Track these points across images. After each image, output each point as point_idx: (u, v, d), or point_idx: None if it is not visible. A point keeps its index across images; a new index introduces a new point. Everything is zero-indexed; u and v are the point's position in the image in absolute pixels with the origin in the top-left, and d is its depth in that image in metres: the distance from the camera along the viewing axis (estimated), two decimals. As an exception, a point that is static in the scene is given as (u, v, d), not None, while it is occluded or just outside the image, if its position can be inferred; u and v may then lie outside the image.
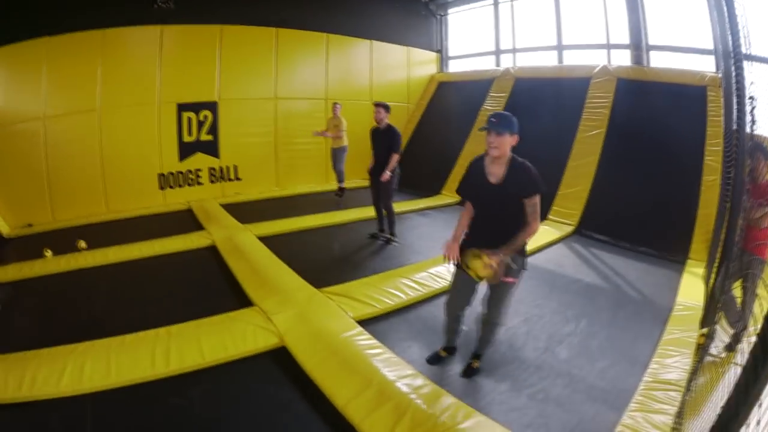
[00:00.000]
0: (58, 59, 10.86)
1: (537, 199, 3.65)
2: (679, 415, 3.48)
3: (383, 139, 7.96)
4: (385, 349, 4.46)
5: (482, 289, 4.16)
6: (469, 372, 4.28)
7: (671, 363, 4.24)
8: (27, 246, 9.33)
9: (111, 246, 8.29)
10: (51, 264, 7.91)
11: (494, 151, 3.61)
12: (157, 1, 11.30)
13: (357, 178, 12.94)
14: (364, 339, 4.62)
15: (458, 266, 4.02)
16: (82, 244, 8.55)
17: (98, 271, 7.50)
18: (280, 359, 4.47)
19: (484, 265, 3.53)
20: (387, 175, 7.83)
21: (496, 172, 3.73)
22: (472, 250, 3.68)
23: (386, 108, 8.00)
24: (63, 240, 8.88)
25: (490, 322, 4.16)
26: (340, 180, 11.69)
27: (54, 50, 10.78)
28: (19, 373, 4.44)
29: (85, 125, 11.19)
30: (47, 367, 4.47)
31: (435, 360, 4.57)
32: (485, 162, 3.81)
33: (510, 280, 3.80)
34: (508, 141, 3.61)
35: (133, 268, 7.47)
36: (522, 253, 3.86)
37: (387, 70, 14.59)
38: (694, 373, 4.03)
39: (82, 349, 4.71)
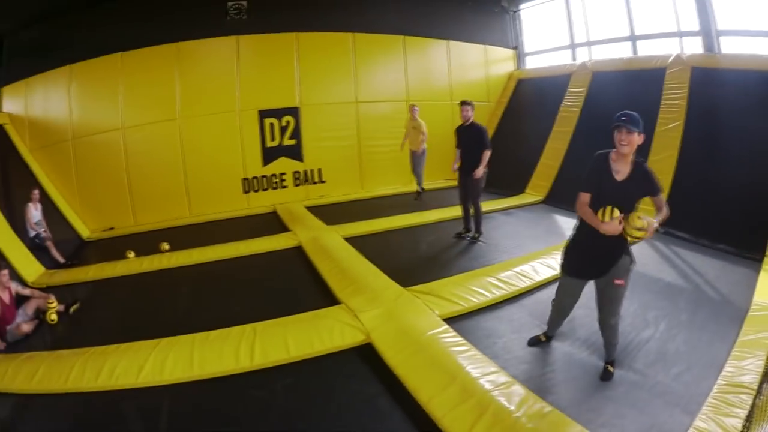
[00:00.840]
0: (133, 73, 11.71)
1: (662, 195, 3.88)
2: (749, 419, 3.48)
3: (471, 136, 8.07)
4: (470, 347, 4.55)
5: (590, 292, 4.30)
6: (607, 375, 4.33)
7: (745, 365, 4.18)
8: (108, 248, 10.06)
9: (193, 248, 8.73)
10: (134, 264, 8.49)
11: (624, 148, 3.74)
12: (230, 13, 11.82)
13: (440, 179, 13.13)
14: (449, 336, 4.73)
15: (567, 272, 4.27)
16: (165, 246, 9.11)
17: (182, 271, 7.97)
18: (366, 356, 4.63)
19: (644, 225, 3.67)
20: (480, 171, 7.94)
21: (622, 170, 3.87)
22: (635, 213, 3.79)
23: (472, 106, 8.17)
24: (145, 242, 9.56)
25: (608, 324, 4.26)
26: (419, 183, 11.76)
27: (129, 64, 11.64)
28: (97, 365, 4.88)
29: (165, 134, 11.90)
30: (127, 360, 4.87)
31: (535, 343, 4.83)
32: (610, 159, 3.92)
33: (620, 282, 3.98)
34: (637, 139, 3.74)
35: (218, 268, 7.89)
36: (629, 253, 4.02)
37: (465, 70, 14.54)
38: (765, 375, 4.00)
39: (164, 343, 5.09)
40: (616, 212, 3.67)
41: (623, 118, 3.74)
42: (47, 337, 6.59)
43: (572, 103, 12.09)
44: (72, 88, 12.06)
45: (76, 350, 5.49)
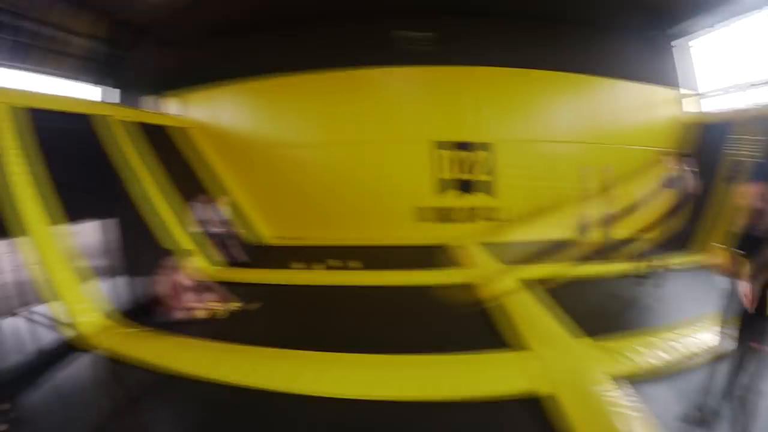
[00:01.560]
0: (324, 93, 12.42)
1: None
2: None
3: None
4: (640, 409, 4.17)
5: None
6: None
7: None
8: (287, 255, 10.49)
9: (377, 270, 8.95)
10: (312, 275, 9.03)
11: None
12: (415, 44, 12.17)
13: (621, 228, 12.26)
14: (618, 395, 4.35)
15: (738, 339, 3.83)
16: (338, 263, 9.37)
17: (364, 291, 8.11)
18: (532, 405, 4.35)
19: None
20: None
21: None
22: None
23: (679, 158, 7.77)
24: (323, 256, 9.96)
25: (749, 395, 3.87)
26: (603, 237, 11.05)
27: (320, 85, 12.37)
28: (269, 367, 5.15)
29: (347, 156, 12.38)
30: (306, 368, 5.04)
31: (693, 420, 4.38)
32: None
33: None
34: None
35: (386, 294, 7.88)
36: None
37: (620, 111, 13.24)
38: None
39: (349, 359, 5.18)
40: None
41: None
42: (215, 328, 7.00)
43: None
44: (262, 102, 13.23)
45: (239, 347, 5.87)
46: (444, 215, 12.39)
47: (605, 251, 10.28)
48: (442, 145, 12.26)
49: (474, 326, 6.39)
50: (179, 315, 7.26)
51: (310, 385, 4.76)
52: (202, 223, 10.40)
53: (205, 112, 13.97)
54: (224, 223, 10.69)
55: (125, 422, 4.94)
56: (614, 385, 4.50)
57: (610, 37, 12.86)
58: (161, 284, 7.36)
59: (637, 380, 4.76)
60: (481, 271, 8.50)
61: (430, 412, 4.31)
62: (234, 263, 10.44)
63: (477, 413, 4.31)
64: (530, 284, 7.60)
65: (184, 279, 7.49)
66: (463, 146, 12.28)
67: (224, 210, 10.74)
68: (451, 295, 7.41)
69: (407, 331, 6.25)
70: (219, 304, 7.52)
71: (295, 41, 13.03)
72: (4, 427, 4.41)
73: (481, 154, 12.31)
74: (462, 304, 7.11)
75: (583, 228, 11.05)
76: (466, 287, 7.85)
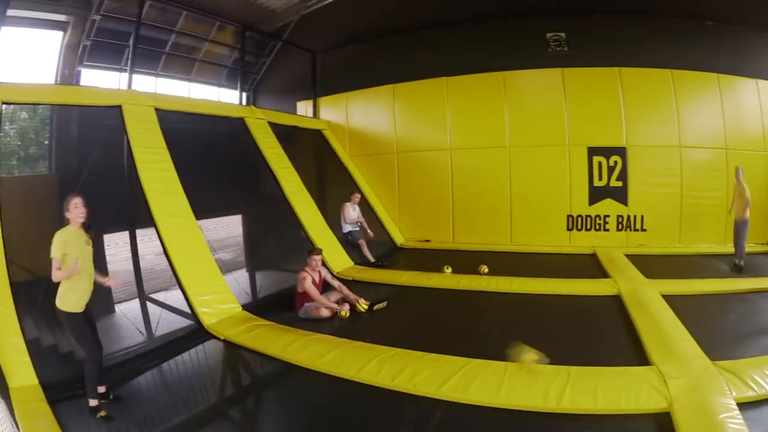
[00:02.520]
0: (460, 97, 12.28)
1: None
2: None
3: None
4: None
5: None
6: None
7: None
8: (421, 258, 10.65)
9: (510, 276, 8.64)
10: (450, 279, 8.76)
11: None
12: (550, 44, 11.71)
13: (755, 242, 10.76)
14: (736, 424, 3.88)
15: None
16: (485, 268, 9.11)
17: (497, 297, 7.94)
18: (663, 425, 4.02)
19: None
20: None
21: None
22: None
23: None
24: (460, 261, 9.76)
25: None
26: (738, 255, 9.80)
27: (455, 89, 12.27)
28: (397, 365, 5.11)
29: (493, 160, 12.08)
30: (432, 370, 4.97)
31: None
32: None
33: None
34: None
35: (532, 302, 7.64)
36: None
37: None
38: None
39: (475, 364, 5.05)
40: None
41: None
42: (341, 326, 7.11)
43: None
44: (396, 106, 13.15)
45: (373, 345, 5.83)
46: (594, 223, 11.78)
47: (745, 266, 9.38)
48: (593, 150, 11.66)
49: (618, 339, 6.07)
50: (309, 312, 7.40)
51: (429, 386, 4.70)
52: (350, 222, 10.79)
53: (340, 115, 14.34)
54: (360, 222, 10.89)
55: (245, 405, 5.26)
56: (736, 410, 4.11)
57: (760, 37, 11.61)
58: (298, 278, 7.51)
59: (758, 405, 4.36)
60: (627, 283, 7.97)
61: (547, 423, 4.13)
62: (366, 263, 10.54)
63: (595, 427, 4.11)
64: (670, 298, 7.10)
65: (317, 277, 7.63)
66: (613, 152, 11.58)
67: (357, 210, 10.91)
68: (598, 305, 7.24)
69: (557, 341, 5.95)
70: (348, 303, 7.60)
71: (426, 47, 13.09)
72: (102, 413, 4.61)
73: (630, 161, 11.53)
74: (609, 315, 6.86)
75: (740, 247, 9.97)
76: (613, 298, 7.51)
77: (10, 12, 9.48)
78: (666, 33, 11.38)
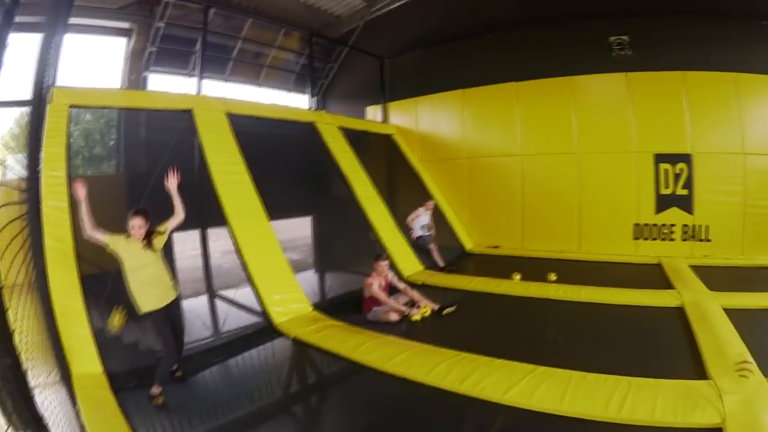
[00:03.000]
0: (529, 103, 12.35)
1: None
2: None
3: None
4: None
5: None
6: None
7: None
8: (489, 264, 10.82)
9: (577, 284, 8.73)
10: (519, 287, 8.96)
11: None
12: (614, 48, 11.62)
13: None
14: None
15: None
16: (553, 276, 9.27)
17: (564, 306, 8.05)
18: None
19: None
20: None
21: None
22: None
23: None
24: (529, 268, 9.88)
25: None
26: None
27: (524, 94, 12.35)
28: (465, 370, 5.32)
29: (562, 166, 12.09)
30: (498, 375, 5.17)
31: None
32: None
33: None
34: None
35: (597, 311, 7.72)
36: None
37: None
38: None
39: (540, 371, 5.22)
40: None
41: None
42: (409, 329, 7.35)
43: None
44: (465, 111, 13.37)
45: (441, 349, 6.05)
46: (660, 233, 11.64)
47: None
48: (660, 158, 11.51)
49: (679, 351, 6.08)
50: (377, 315, 7.69)
51: (495, 391, 4.89)
52: (422, 227, 11.01)
53: (409, 120, 14.60)
54: (430, 227, 11.13)
55: (312, 403, 5.52)
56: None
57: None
58: (365, 283, 7.80)
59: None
60: (690, 295, 7.95)
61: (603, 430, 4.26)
62: (435, 268, 10.79)
63: None
64: (731, 312, 7.03)
65: (383, 282, 7.88)
66: (679, 159, 11.39)
67: (429, 215, 11.24)
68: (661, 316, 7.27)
69: (620, 351, 6.10)
70: (416, 307, 7.83)
71: (494, 51, 13.19)
72: (160, 400, 5.00)
73: (696, 168, 11.29)
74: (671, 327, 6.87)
75: None
76: (676, 310, 7.50)
77: (74, 20, 9.96)
78: (728, 35, 11.09)
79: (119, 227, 4.94)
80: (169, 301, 5.12)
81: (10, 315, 2.71)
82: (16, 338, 2.54)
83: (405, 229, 11.00)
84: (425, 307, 7.74)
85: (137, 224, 4.88)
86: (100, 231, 4.90)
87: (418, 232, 11.02)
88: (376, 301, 7.70)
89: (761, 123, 11.01)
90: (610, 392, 4.71)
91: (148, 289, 4.96)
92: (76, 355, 5.37)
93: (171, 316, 5.18)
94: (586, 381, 4.98)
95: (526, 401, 4.67)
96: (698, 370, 5.37)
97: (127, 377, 5.46)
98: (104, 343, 5.71)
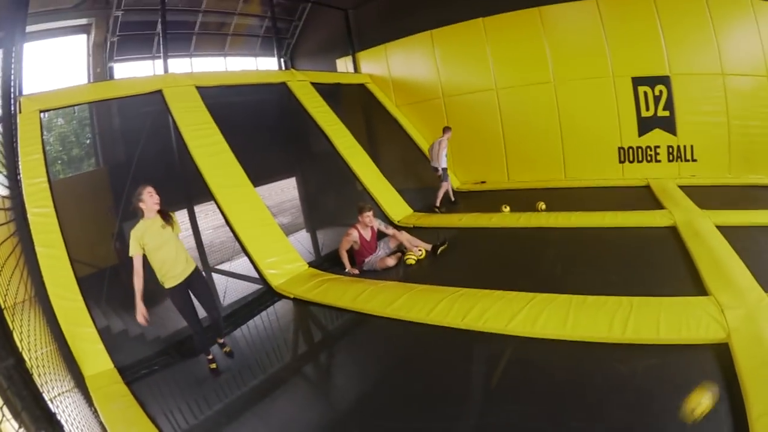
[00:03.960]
0: (499, 37, 12.16)
1: None
2: None
3: None
4: None
5: None
6: None
7: None
8: (478, 200, 10.90)
9: (568, 211, 8.78)
10: (509, 218, 9.01)
11: None
12: None
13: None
14: None
15: None
16: (542, 205, 9.35)
17: (556, 233, 8.10)
18: (722, 355, 4.13)
19: None
20: None
21: None
22: None
23: None
24: (517, 200, 9.95)
25: None
26: None
27: (493, 29, 12.16)
28: (466, 305, 5.38)
29: (540, 96, 11.97)
30: (500, 307, 5.22)
31: None
32: None
33: None
34: None
35: (591, 236, 7.77)
36: None
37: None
38: None
39: (540, 299, 5.26)
40: None
41: None
42: (405, 272, 7.41)
43: None
44: (436, 52, 13.17)
45: (440, 287, 6.09)
46: (645, 155, 11.59)
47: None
48: (637, 80, 11.35)
49: (675, 269, 6.12)
50: (373, 264, 7.73)
51: (498, 323, 4.96)
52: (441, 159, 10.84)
53: (381, 67, 14.39)
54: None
55: (320, 358, 5.58)
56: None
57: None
58: (353, 235, 7.73)
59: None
60: (682, 214, 7.98)
61: (612, 354, 4.29)
62: (429, 208, 10.82)
63: (653, 356, 4.23)
64: (725, 230, 7.05)
65: (368, 233, 7.86)
66: (657, 81, 11.21)
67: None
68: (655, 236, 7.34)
69: (617, 273, 6.14)
70: (410, 251, 7.83)
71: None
72: (211, 368, 5.22)
73: (675, 90, 11.10)
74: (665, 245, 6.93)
75: None
76: (669, 230, 7.54)
77: (32, 28, 9.79)
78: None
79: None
80: (187, 275, 5.13)
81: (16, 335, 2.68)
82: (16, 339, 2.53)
83: (390, 176, 10.93)
84: (420, 249, 7.75)
85: (152, 191, 4.93)
86: (140, 266, 4.86)
87: (444, 162, 10.83)
88: (365, 252, 7.75)
89: (738, 43, 10.78)
90: (612, 313, 4.75)
91: (168, 265, 4.98)
92: (86, 355, 5.40)
93: (194, 288, 5.23)
94: (586, 304, 5.02)
95: (529, 329, 4.74)
96: (698, 287, 5.42)
97: (138, 367, 5.51)
98: (111, 339, 5.75)
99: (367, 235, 7.76)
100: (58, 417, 2.23)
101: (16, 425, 1.89)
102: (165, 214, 5.02)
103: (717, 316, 4.58)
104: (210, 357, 5.27)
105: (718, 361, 4.08)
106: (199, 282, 5.29)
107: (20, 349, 1.98)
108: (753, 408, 3.43)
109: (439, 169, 10.77)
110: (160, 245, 4.91)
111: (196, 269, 5.29)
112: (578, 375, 4.13)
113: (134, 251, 4.82)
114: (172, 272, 5.00)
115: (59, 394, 4.19)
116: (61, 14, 11.03)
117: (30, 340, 3.35)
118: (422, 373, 4.52)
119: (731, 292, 5.08)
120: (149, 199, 4.87)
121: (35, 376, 2.25)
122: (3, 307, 2.57)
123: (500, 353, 4.53)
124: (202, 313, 5.32)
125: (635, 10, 11.11)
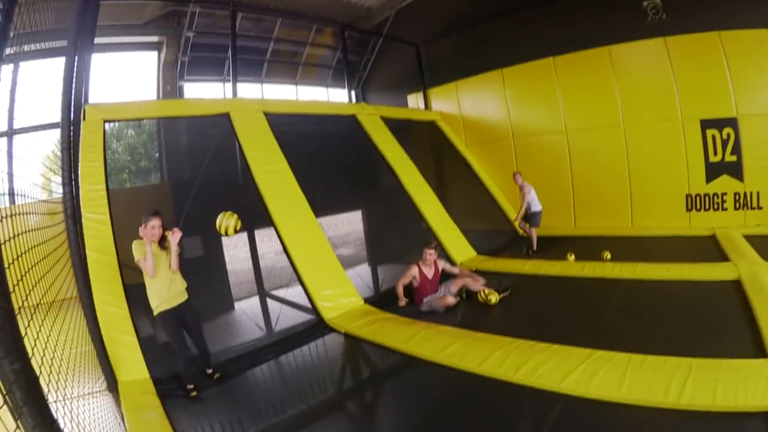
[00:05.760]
0: (569, 76, 12.12)
1: None
2: None
3: None
4: None
5: None
6: None
7: None
8: (543, 246, 10.72)
9: (633, 262, 8.58)
10: (574, 267, 8.89)
11: None
12: (648, 14, 11.29)
13: None
14: None
15: None
16: (608, 254, 9.18)
17: (620, 284, 7.91)
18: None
19: None
20: None
21: None
22: None
23: None
24: (583, 247, 9.90)
25: None
26: None
27: (563, 68, 12.16)
28: (520, 358, 5.27)
29: (609, 140, 11.84)
30: (555, 362, 5.08)
31: None
32: None
33: None
34: None
35: (654, 289, 7.59)
36: None
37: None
38: None
39: (597, 356, 5.12)
40: None
41: None
42: (462, 317, 7.37)
43: None
44: (507, 91, 13.24)
45: (495, 336, 6.05)
46: (711, 202, 11.22)
47: None
48: (706, 123, 11.04)
49: (738, 328, 5.86)
50: (432, 304, 7.69)
51: (551, 380, 4.82)
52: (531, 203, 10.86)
53: (451, 105, 14.53)
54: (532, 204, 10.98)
55: (364, 397, 5.55)
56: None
57: None
58: (412, 270, 7.81)
59: None
60: (746, 267, 7.68)
61: (666, 421, 4.12)
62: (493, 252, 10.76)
63: (708, 424, 4.05)
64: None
65: (430, 271, 7.87)
66: (725, 123, 10.88)
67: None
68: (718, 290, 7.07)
69: (678, 330, 5.96)
70: (472, 293, 7.89)
71: (527, 28, 12.97)
72: (193, 394, 5.39)
73: (743, 132, 10.72)
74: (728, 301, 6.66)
75: None
76: (733, 283, 7.25)
77: (102, 39, 10.29)
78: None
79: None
80: (179, 302, 5.40)
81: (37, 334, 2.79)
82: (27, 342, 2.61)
83: (456, 215, 10.90)
84: (483, 293, 7.69)
85: (156, 224, 5.19)
86: (150, 265, 5.18)
87: (537, 205, 10.86)
88: (425, 290, 7.74)
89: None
90: (670, 376, 4.56)
91: (162, 289, 5.27)
92: (122, 362, 5.65)
93: (184, 317, 5.47)
94: (645, 365, 4.85)
95: (583, 389, 4.57)
96: (758, 347, 5.19)
97: (174, 382, 5.69)
98: (151, 350, 5.99)
99: (429, 273, 7.78)
100: (61, 424, 2.27)
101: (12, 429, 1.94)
102: (163, 239, 5.30)
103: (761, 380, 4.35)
104: (191, 386, 5.42)
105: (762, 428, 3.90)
106: (189, 312, 5.52)
107: (30, 355, 2.03)
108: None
109: (538, 213, 10.77)
110: (157, 264, 5.20)
111: (189, 300, 5.52)
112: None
113: (139, 256, 5.15)
114: (166, 294, 5.26)
115: (80, 396, 4.41)
116: (131, 30, 11.65)
117: (50, 342, 3.42)
118: (467, 424, 4.44)
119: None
120: (150, 231, 5.15)
121: (42, 382, 2.31)
122: (20, 306, 2.67)
123: (550, 412, 4.43)
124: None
125: (701, 48, 10.91)
